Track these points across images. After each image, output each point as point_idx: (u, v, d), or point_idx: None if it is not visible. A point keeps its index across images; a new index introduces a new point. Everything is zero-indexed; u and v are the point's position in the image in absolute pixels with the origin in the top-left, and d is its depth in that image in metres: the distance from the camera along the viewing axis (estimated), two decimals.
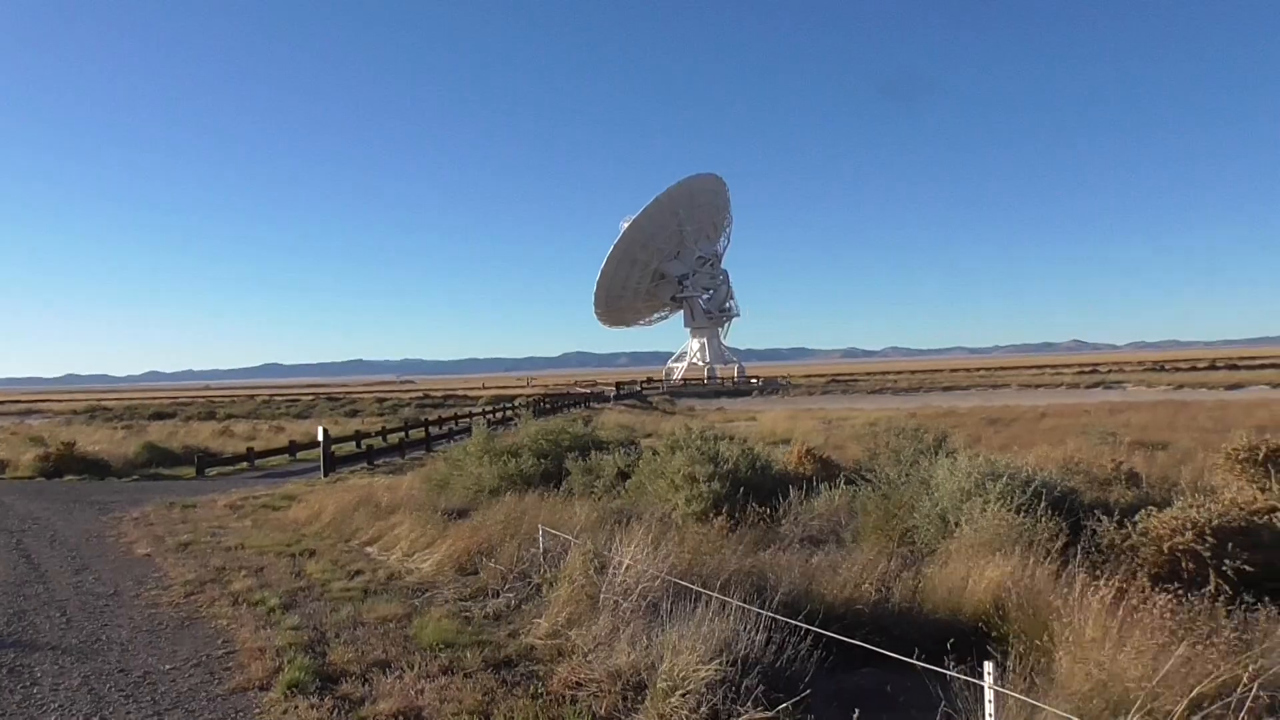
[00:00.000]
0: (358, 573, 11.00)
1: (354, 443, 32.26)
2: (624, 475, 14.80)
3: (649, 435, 31.14)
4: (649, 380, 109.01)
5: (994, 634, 6.48)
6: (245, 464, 28.09)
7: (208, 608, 9.57)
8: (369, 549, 12.58)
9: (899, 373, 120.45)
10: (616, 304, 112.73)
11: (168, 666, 7.64)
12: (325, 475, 23.97)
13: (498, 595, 9.41)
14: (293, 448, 30.71)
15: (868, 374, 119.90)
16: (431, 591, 9.89)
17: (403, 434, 35.24)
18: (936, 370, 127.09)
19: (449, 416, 45.83)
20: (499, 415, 47.18)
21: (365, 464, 27.22)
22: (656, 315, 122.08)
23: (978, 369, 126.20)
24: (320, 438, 26.00)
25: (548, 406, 56.85)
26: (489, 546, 10.91)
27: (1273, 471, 11.22)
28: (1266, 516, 7.66)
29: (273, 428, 46.62)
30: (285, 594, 9.99)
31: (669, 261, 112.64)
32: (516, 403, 56.25)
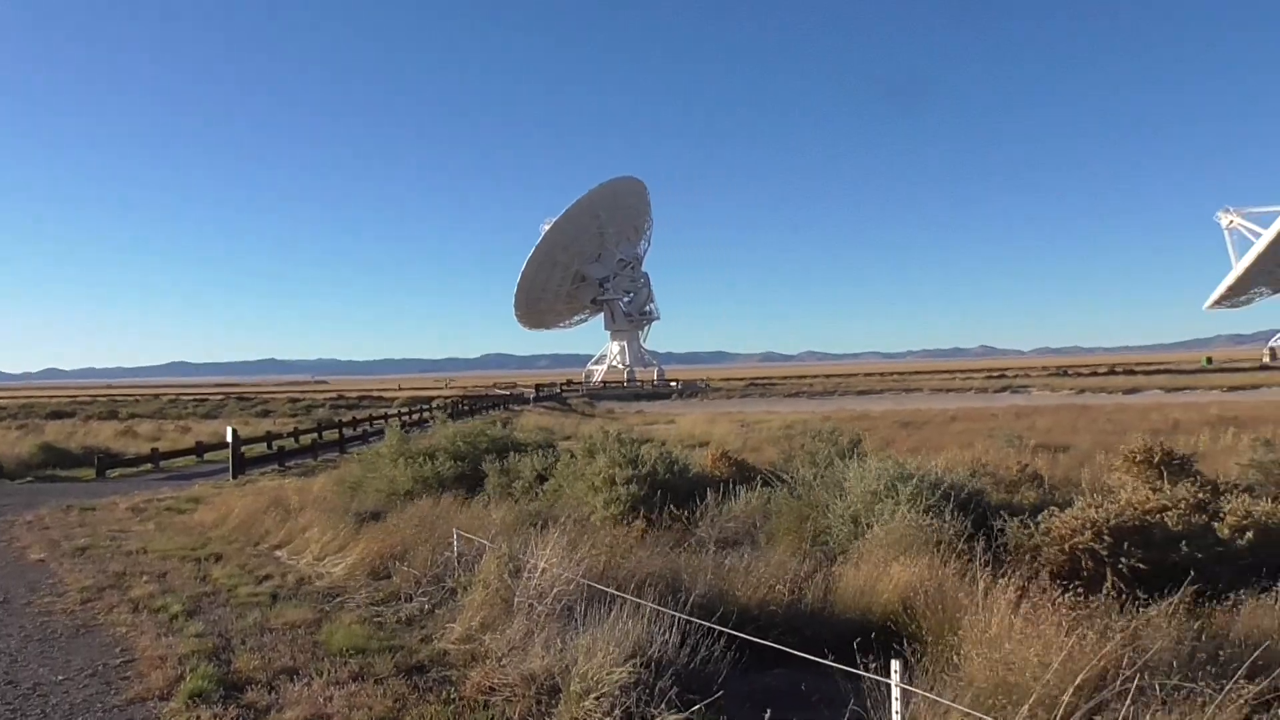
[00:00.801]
0: (266, 577, 10.71)
1: (265, 444, 31.44)
2: (542, 478, 14.71)
3: (568, 438, 31.02)
4: (569, 382, 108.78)
5: (903, 632, 6.62)
6: (149, 465, 27.14)
7: (105, 615, 9.20)
8: (278, 553, 12.26)
9: (815, 376, 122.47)
10: (537, 306, 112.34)
11: (60, 677, 7.31)
12: (234, 477, 23.30)
13: (411, 600, 9.26)
14: (200, 449, 29.78)
15: (785, 378, 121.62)
16: (343, 596, 9.68)
17: (316, 435, 34.46)
18: (851, 374, 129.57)
19: (364, 418, 44.99)
20: (416, 417, 46.48)
21: (276, 466, 26.53)
22: (577, 318, 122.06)
23: (891, 373, 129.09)
24: (229, 438, 25.28)
25: (466, 408, 56.24)
26: (403, 550, 10.73)
27: (1165, 472, 11.72)
28: (1159, 516, 7.99)
29: (179, 428, 45.18)
30: (189, 600, 9.67)
31: (590, 264, 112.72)
32: (434, 404, 55.48)
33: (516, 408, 65.49)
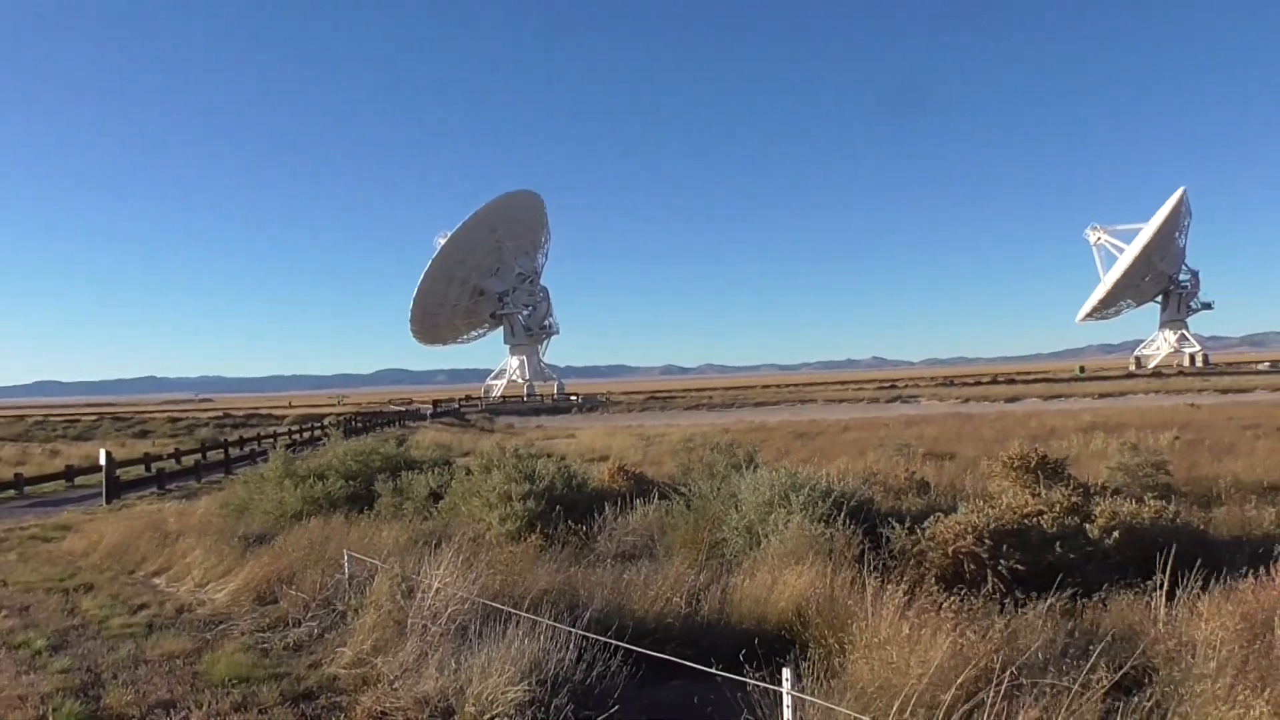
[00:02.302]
0: (142, 606, 10.22)
1: (143, 466, 30.04)
2: (437, 496, 14.49)
3: (466, 454, 30.61)
4: (468, 398, 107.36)
5: (797, 640, 6.73)
6: (13, 492, 25.60)
7: None
8: (156, 580, 11.72)
9: (714, 389, 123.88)
10: (434, 321, 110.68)
11: None
12: (108, 502, 22.19)
13: (299, 624, 8.97)
14: (70, 473, 28.24)
15: (685, 391, 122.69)
16: (226, 624, 9.31)
17: (199, 456, 33.16)
18: (749, 386, 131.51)
19: (251, 437, 43.51)
20: (307, 435, 45.18)
21: (156, 489, 25.38)
22: (475, 332, 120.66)
23: (788, 385, 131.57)
24: (103, 461, 24.08)
25: (360, 426, 54.95)
26: (291, 573, 10.39)
27: (1041, 477, 12.25)
28: (1035, 519, 8.34)
29: (47, 451, 42.81)
30: (54, 634, 9.14)
31: (488, 278, 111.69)
32: (326, 422, 53.97)
33: (413, 424, 64.30)
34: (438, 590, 7.67)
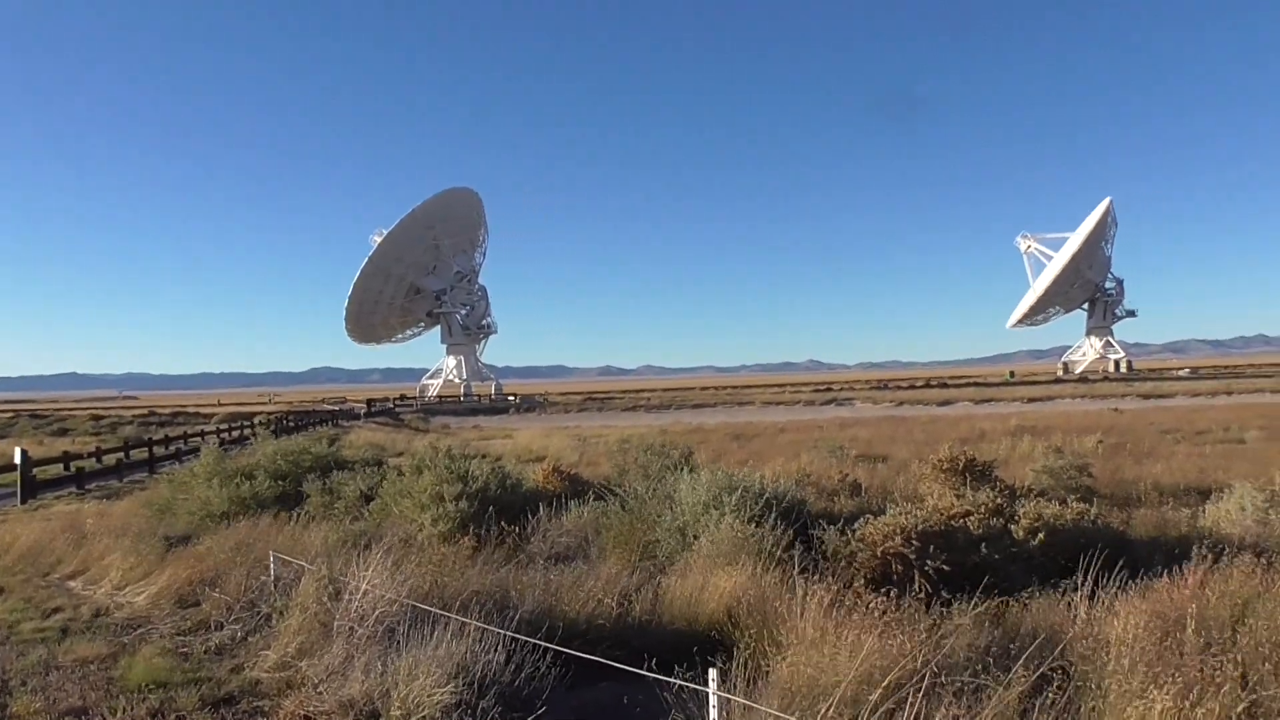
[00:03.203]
0: (55, 610, 9.88)
1: (62, 465, 29.05)
2: (368, 496, 14.30)
3: (400, 454, 30.33)
4: (403, 397, 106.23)
5: (727, 641, 6.77)
6: None
7: None
8: (71, 583, 11.35)
9: (652, 390, 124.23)
10: (369, 319, 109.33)
11: None
12: (22, 502, 21.43)
13: (222, 628, 8.76)
14: None
15: (623, 392, 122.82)
16: (145, 627, 9.05)
17: (122, 455, 32.14)
18: (687, 388, 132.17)
19: (177, 435, 42.35)
20: (236, 434, 44.20)
21: (75, 488, 24.57)
22: (411, 331, 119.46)
23: (725, 387, 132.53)
24: (17, 460, 23.25)
25: (291, 425, 53.93)
26: (215, 575, 10.15)
27: (969, 479, 12.51)
28: (962, 520, 8.52)
29: None
30: None
31: (425, 276, 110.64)
32: (256, 421, 52.88)
33: (346, 424, 63.34)
34: (365, 592, 7.55)
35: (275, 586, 9.19)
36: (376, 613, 7.32)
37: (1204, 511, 12.22)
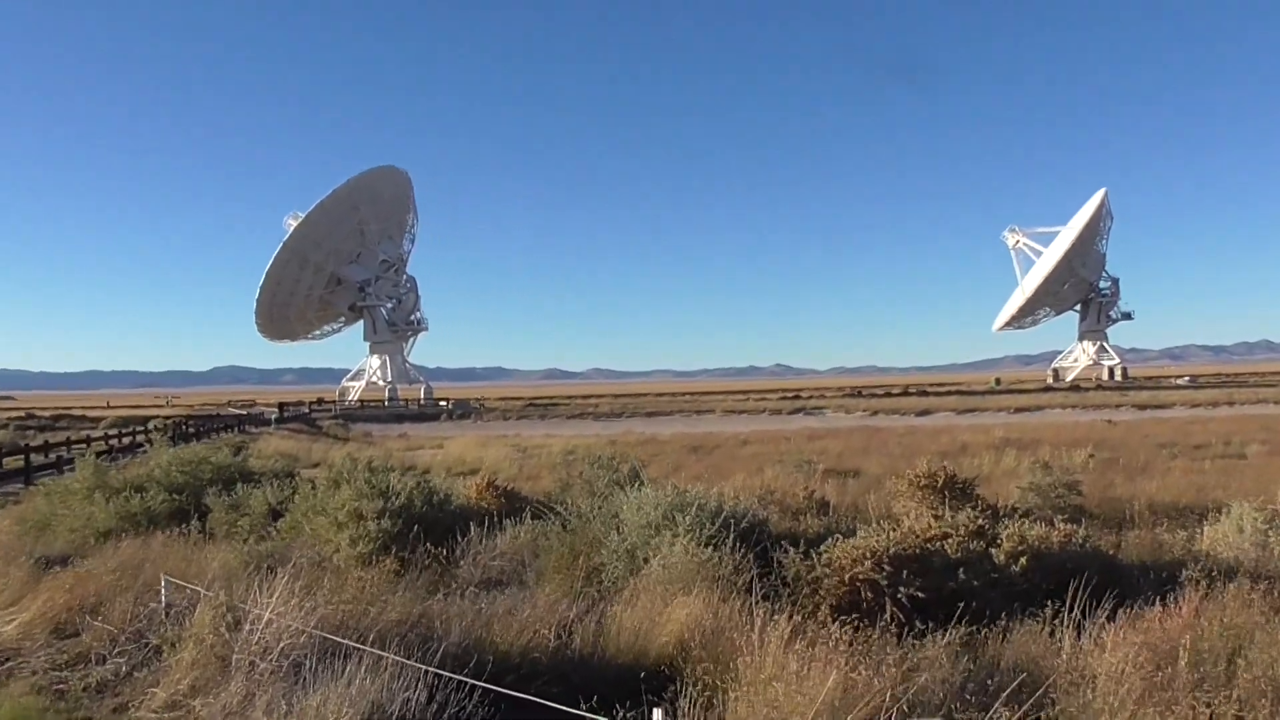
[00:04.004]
0: None
1: None
2: (277, 513, 14.16)
3: (315, 465, 30.12)
4: (320, 401, 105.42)
5: (679, 676, 6.77)
6: None
7: None
8: None
9: (602, 396, 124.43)
10: (284, 313, 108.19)
11: None
12: None
13: (104, 661, 8.58)
14: None
15: (569, 397, 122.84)
16: (14, 661, 8.83)
17: None
18: (641, 394, 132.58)
19: (59, 442, 41.44)
20: (127, 441, 43.38)
21: None
22: (331, 327, 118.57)
23: (683, 393, 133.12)
24: None
25: (192, 431, 53.07)
26: (97, 601, 9.94)
27: (948, 497, 12.68)
28: (939, 543, 8.61)
29: None
30: None
31: (348, 265, 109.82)
32: (151, 426, 51.95)
33: (255, 430, 62.48)
34: (270, 621, 7.46)
35: (167, 615, 9.04)
36: (282, 645, 7.23)
37: (1201, 533, 12.47)
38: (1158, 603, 7.64)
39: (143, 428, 51.27)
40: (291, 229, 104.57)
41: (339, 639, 7.10)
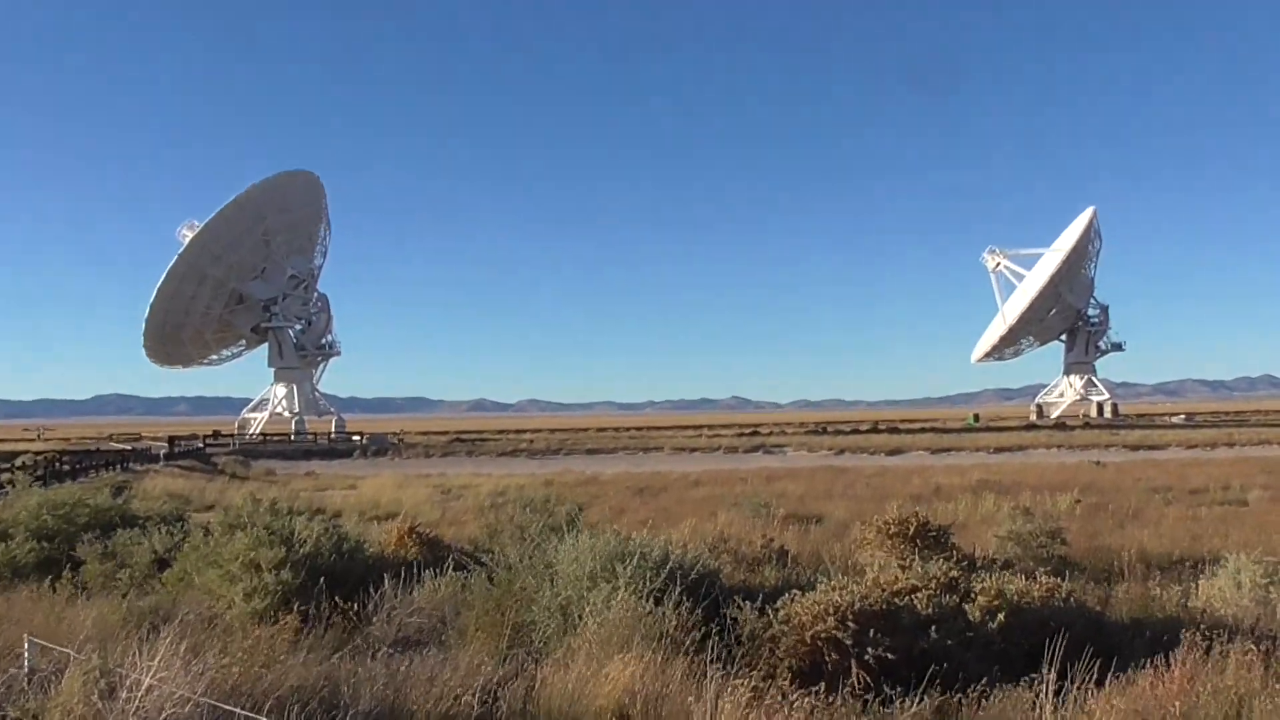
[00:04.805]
0: None
1: None
2: (163, 563, 13.96)
3: (209, 508, 29.68)
4: (216, 435, 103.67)
5: None
6: None
7: None
8: None
9: (536, 431, 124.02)
10: (176, 335, 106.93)
11: None
12: None
13: None
14: None
15: (499, 432, 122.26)
16: None
17: None
18: (581, 429, 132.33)
19: None
20: None
21: None
22: (230, 350, 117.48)
23: (628, 428, 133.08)
24: None
25: (66, 468, 52.06)
26: None
27: (920, 546, 12.79)
28: (908, 597, 8.66)
29: None
30: None
31: (251, 281, 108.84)
32: (18, 463, 50.84)
33: (140, 468, 61.39)
34: (150, 688, 7.30)
35: (29, 682, 8.80)
36: (165, 715, 7.09)
37: (1196, 588, 12.68)
38: (1149, 666, 7.74)
39: (7, 465, 50.16)
40: (187, 240, 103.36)
41: (231, 707, 6.98)
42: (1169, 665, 7.61)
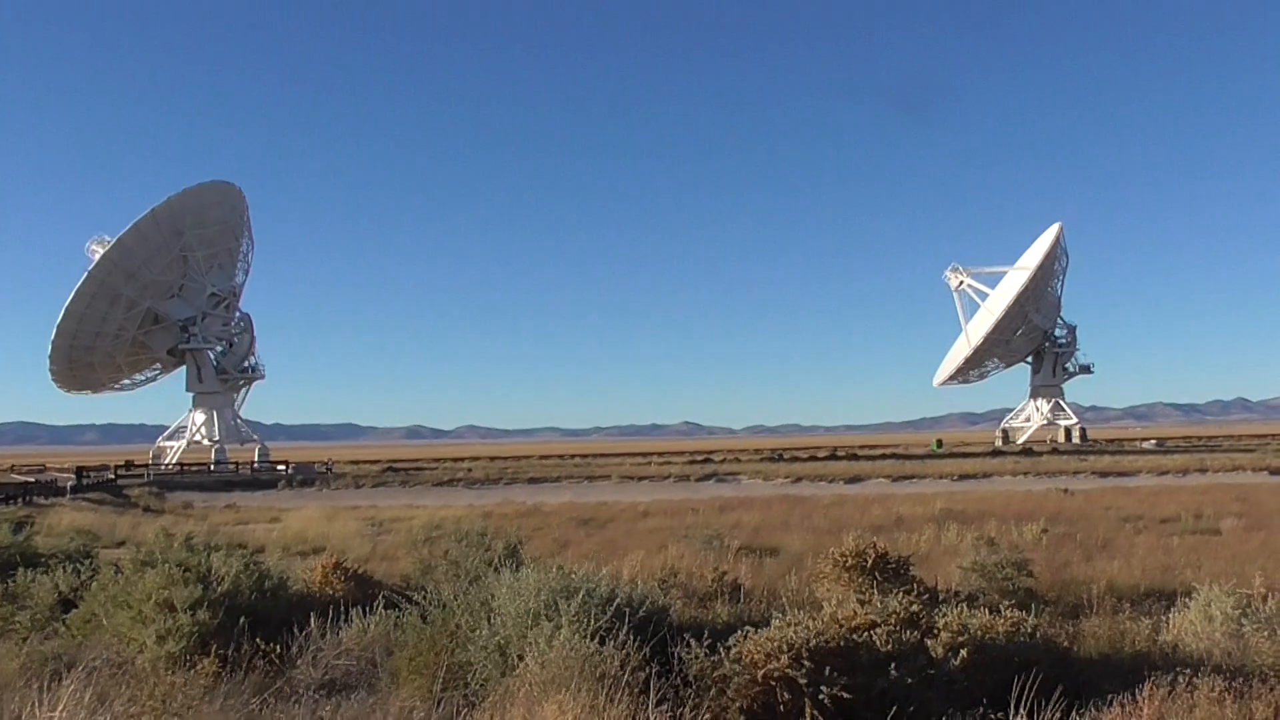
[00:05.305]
0: None
1: None
2: (69, 603, 13.75)
3: (121, 544, 29.30)
4: (129, 465, 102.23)
5: None
6: None
7: None
8: None
9: (475, 459, 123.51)
10: (86, 358, 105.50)
11: None
12: None
13: None
14: None
15: (436, 460, 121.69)
16: None
17: None
18: (523, 456, 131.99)
19: None
20: None
21: None
22: (145, 375, 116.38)
23: (573, 455, 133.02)
24: None
25: None
26: None
27: (879, 579, 12.87)
28: (866, 633, 8.71)
29: None
30: None
31: (168, 300, 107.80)
32: None
33: (45, 501, 60.39)
34: None
35: None
36: None
37: (1168, 621, 12.86)
38: (1117, 704, 7.84)
39: None
40: (98, 256, 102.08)
41: None
42: (1136, 702, 7.71)
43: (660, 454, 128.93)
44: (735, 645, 8.62)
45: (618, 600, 9.57)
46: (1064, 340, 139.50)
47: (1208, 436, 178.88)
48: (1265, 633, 11.03)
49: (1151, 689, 7.87)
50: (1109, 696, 8.20)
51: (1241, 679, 8.57)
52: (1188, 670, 8.55)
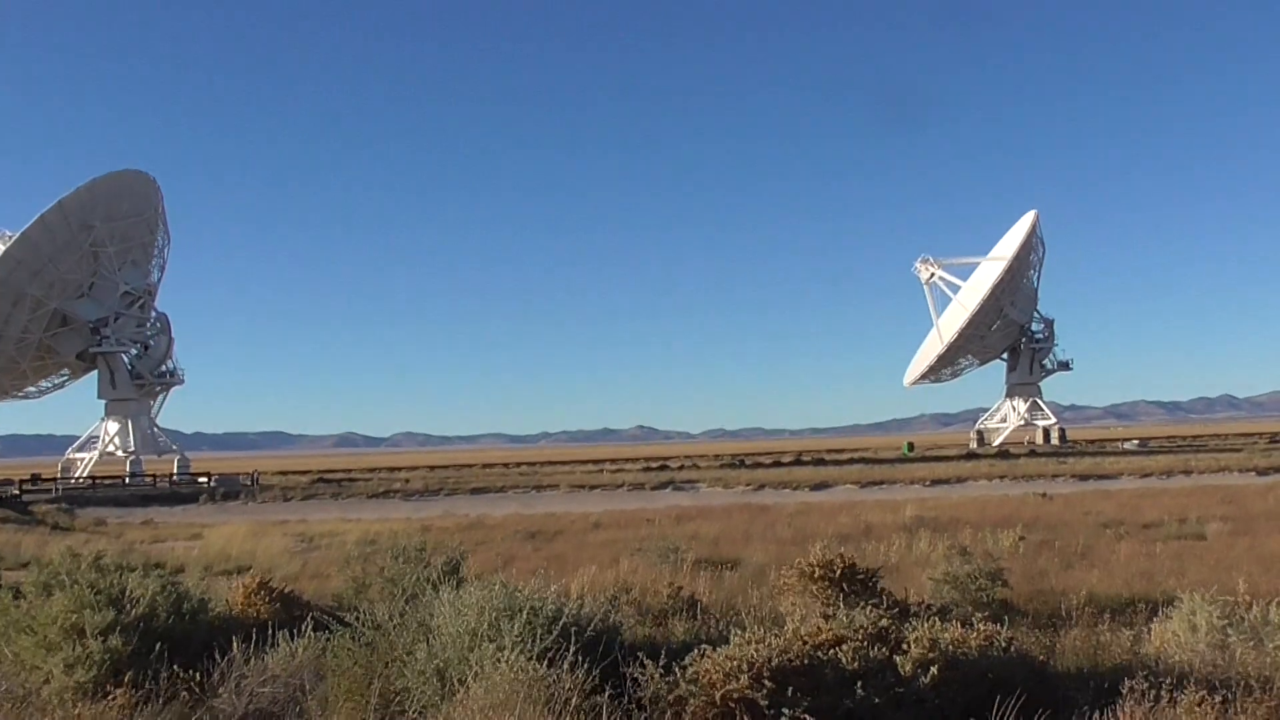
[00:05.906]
0: None
1: None
2: None
3: (24, 565, 28.89)
4: (35, 479, 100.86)
5: None
6: None
7: None
8: None
9: (413, 469, 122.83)
10: None
11: None
12: None
13: None
14: None
15: (370, 470, 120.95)
16: None
17: None
18: (465, 465, 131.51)
19: None
20: None
21: None
22: (52, 381, 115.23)
23: (518, 464, 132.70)
24: None
25: None
26: None
27: (846, 592, 12.94)
28: (832, 650, 8.74)
29: None
30: None
31: (77, 300, 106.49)
32: None
33: None
34: None
35: None
36: None
37: (1149, 632, 13.00)
38: (1094, 719, 7.92)
39: None
40: (0, 253, 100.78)
41: None
42: (1116, 717, 7.80)
43: (613, 461, 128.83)
44: (692, 665, 8.62)
45: (565, 618, 9.56)
46: (1041, 335, 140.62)
47: (1193, 436, 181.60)
48: (1251, 643, 11.18)
49: (1132, 703, 7.95)
50: (1086, 711, 8.29)
51: (1226, 691, 8.67)
52: (1170, 683, 8.65)
